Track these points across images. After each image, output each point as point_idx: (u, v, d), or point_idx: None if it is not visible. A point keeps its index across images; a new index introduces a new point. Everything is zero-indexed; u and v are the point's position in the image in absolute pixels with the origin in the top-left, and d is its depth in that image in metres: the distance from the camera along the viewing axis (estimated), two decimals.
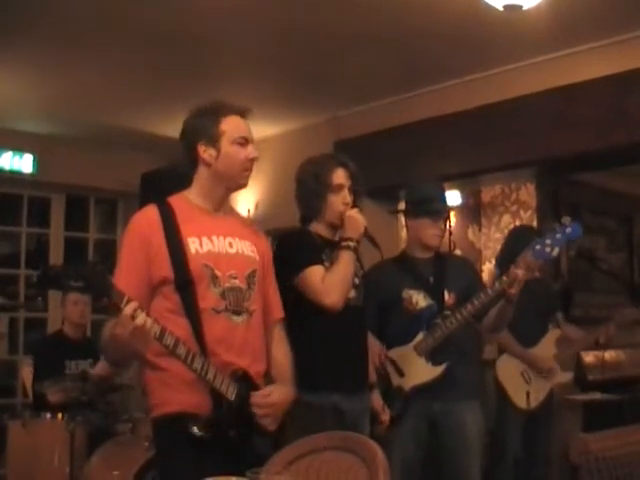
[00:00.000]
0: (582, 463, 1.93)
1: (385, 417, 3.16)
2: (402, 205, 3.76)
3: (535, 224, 5.79)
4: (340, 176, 3.02)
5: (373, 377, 3.21)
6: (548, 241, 3.10)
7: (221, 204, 2.49)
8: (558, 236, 3.10)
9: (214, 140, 2.40)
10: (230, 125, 2.41)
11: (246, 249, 2.46)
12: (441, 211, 3.45)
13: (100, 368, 4.42)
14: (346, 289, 2.88)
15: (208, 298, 2.30)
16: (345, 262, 2.88)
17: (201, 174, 2.46)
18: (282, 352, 2.54)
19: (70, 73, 5.06)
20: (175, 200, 2.47)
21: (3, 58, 4.81)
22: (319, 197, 2.99)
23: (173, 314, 2.28)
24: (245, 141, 2.42)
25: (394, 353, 3.33)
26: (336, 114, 5.95)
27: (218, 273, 2.33)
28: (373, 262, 3.34)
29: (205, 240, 2.36)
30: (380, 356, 3.30)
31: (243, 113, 2.46)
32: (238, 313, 2.35)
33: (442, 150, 5.24)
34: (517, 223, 5.96)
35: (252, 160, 2.44)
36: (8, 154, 6.35)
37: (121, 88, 5.39)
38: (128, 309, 2.05)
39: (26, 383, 5.13)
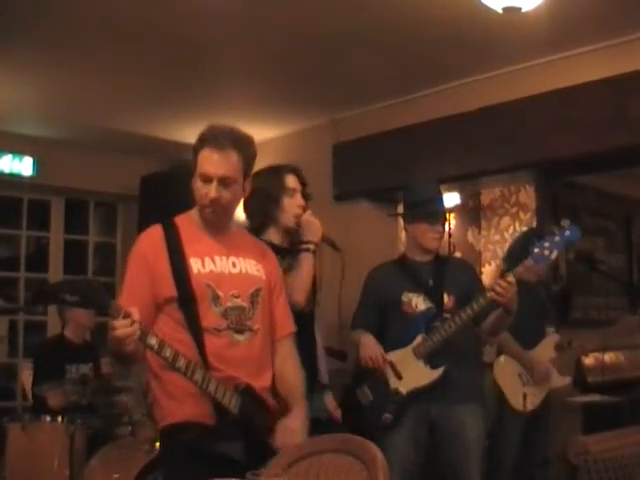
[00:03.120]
0: (581, 465, 1.94)
1: (338, 415, 3.23)
2: (401, 208, 3.78)
3: (534, 226, 5.80)
4: (292, 180, 3.16)
5: (325, 379, 3.30)
6: (547, 244, 3.11)
7: (221, 225, 2.49)
8: (557, 239, 3.11)
9: (194, 168, 2.40)
10: (200, 159, 2.38)
11: (250, 268, 2.49)
12: (439, 214, 3.46)
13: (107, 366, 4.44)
14: (307, 290, 3.00)
15: (209, 317, 2.35)
16: (306, 264, 3.01)
17: None
18: (290, 367, 2.56)
19: (70, 76, 5.06)
20: (181, 220, 2.51)
21: (2, 61, 4.81)
22: (275, 201, 3.10)
23: (176, 331, 2.34)
24: (207, 179, 2.36)
25: (392, 355, 3.35)
26: (335, 117, 5.96)
27: (220, 293, 2.37)
28: (361, 266, 3.37)
29: (208, 260, 2.40)
30: (378, 358, 3.31)
31: (217, 146, 2.36)
32: (240, 332, 2.39)
33: (441, 152, 5.24)
34: (517, 225, 5.98)
35: (211, 200, 2.36)
36: (8, 157, 6.34)
37: (121, 91, 5.40)
38: (117, 324, 2.10)
39: (26, 386, 5.13)
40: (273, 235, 3.12)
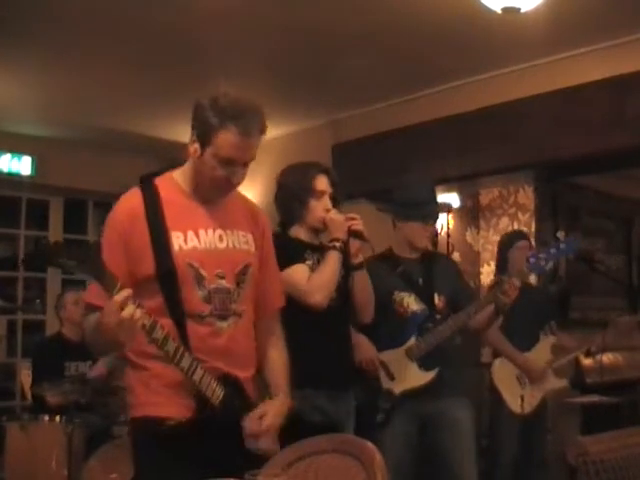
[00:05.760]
0: (580, 465, 1.93)
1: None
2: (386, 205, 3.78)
3: (533, 227, 5.81)
4: (322, 182, 3.06)
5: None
6: (542, 255, 3.24)
7: (210, 197, 2.24)
8: (552, 251, 3.26)
9: (204, 140, 2.13)
10: (223, 140, 2.10)
11: (238, 242, 2.25)
12: (432, 215, 3.48)
13: (97, 371, 4.41)
14: (331, 289, 2.92)
15: (192, 302, 2.13)
16: (332, 262, 2.92)
17: (189, 160, 2.24)
18: (277, 352, 2.39)
19: (69, 76, 5.06)
20: (162, 183, 2.25)
21: (2, 61, 4.81)
22: (301, 202, 3.03)
23: (156, 314, 2.08)
24: (229, 162, 2.12)
25: (385, 356, 3.34)
26: (335, 117, 5.96)
27: (204, 272, 2.15)
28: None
29: (191, 235, 2.16)
30: (374, 361, 3.30)
31: (247, 133, 2.11)
32: (224, 317, 2.18)
33: (441, 153, 5.24)
34: (515, 226, 5.98)
35: (230, 182, 2.16)
36: (7, 156, 6.34)
37: (119, 91, 5.40)
38: (118, 297, 1.90)
39: (24, 385, 5.13)
40: (299, 231, 3.07)
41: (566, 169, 5.35)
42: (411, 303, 3.37)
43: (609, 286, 6.15)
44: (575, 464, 1.95)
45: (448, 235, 5.99)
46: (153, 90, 5.37)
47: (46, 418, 4.08)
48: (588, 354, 4.77)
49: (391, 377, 3.32)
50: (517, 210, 6.06)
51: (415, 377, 3.30)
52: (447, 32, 4.28)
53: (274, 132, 6.28)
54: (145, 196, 2.20)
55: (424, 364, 3.30)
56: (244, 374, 2.24)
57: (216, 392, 2.13)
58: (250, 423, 2.16)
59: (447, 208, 5.92)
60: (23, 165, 6.41)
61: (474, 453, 3.38)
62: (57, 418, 4.04)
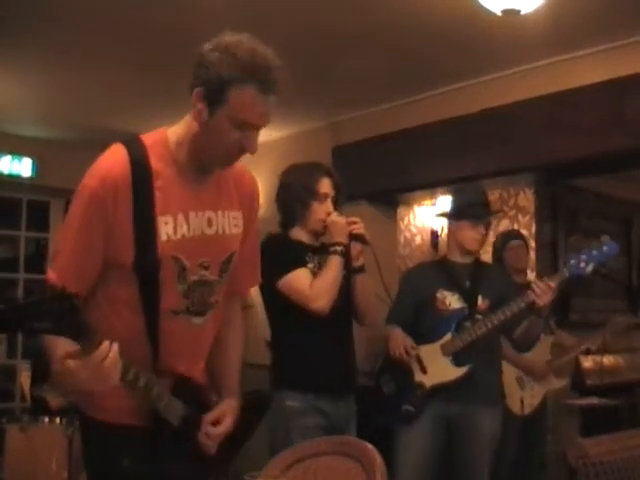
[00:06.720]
0: (580, 467, 1.94)
1: None
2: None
3: (534, 229, 5.81)
4: (326, 185, 3.07)
5: None
6: (583, 257, 3.14)
7: (209, 169, 1.96)
8: (594, 252, 3.14)
9: (215, 99, 1.80)
10: (240, 99, 1.80)
11: (228, 225, 2.00)
12: (482, 216, 3.47)
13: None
14: (333, 294, 2.93)
15: (170, 297, 1.91)
16: (333, 267, 2.93)
17: (191, 122, 1.88)
18: (233, 335, 2.20)
19: (69, 76, 5.06)
20: (154, 146, 1.91)
21: (2, 61, 4.81)
22: (303, 204, 3.04)
23: (127, 309, 1.89)
24: (244, 125, 1.83)
25: (420, 350, 3.39)
26: (335, 119, 5.95)
27: (187, 263, 1.90)
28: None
29: (180, 219, 1.88)
30: (406, 348, 3.32)
31: (267, 90, 1.89)
32: (201, 313, 1.98)
33: (440, 155, 5.23)
34: (515, 228, 5.97)
35: (242, 149, 1.87)
36: (7, 158, 6.34)
37: (119, 91, 5.39)
38: (99, 354, 1.67)
39: (24, 387, 5.12)
40: (300, 233, 3.08)
41: (566, 171, 5.34)
42: (453, 302, 3.40)
43: (609, 288, 6.14)
44: (575, 466, 1.95)
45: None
46: (153, 90, 5.36)
47: (46, 420, 4.08)
48: (588, 353, 4.77)
49: (424, 370, 3.36)
50: (517, 212, 6.05)
51: (447, 372, 3.34)
52: (447, 33, 4.28)
53: (274, 134, 6.28)
54: (133, 163, 1.86)
55: (457, 360, 3.32)
56: (200, 365, 2.09)
57: (176, 412, 1.97)
58: (206, 427, 2.04)
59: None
60: (23, 167, 6.41)
61: (490, 461, 3.40)
62: (57, 420, 4.04)
